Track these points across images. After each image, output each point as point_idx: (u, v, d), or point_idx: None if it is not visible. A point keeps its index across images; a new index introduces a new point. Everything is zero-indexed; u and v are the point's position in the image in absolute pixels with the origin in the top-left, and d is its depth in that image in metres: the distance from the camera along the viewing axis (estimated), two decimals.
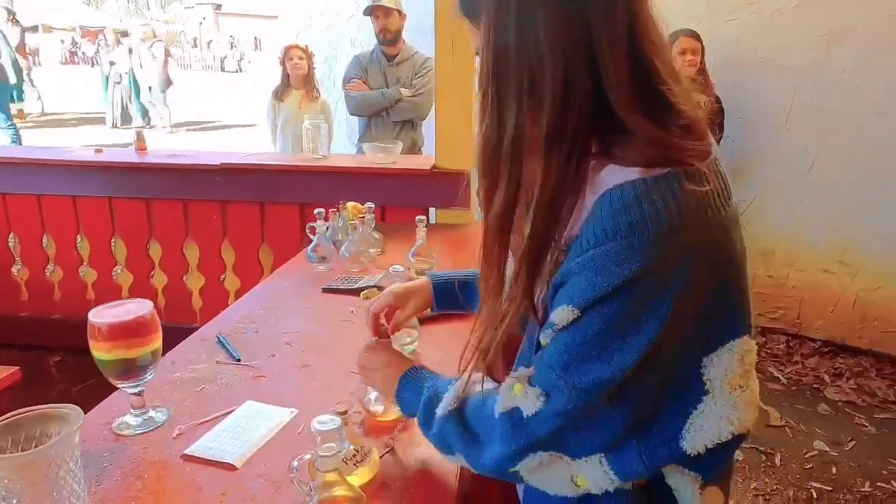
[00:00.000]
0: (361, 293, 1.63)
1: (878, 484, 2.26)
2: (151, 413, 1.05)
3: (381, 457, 0.94)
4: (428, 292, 1.11)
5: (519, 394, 0.67)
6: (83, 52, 28.13)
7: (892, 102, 2.92)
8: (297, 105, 3.55)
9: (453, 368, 1.25)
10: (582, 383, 0.61)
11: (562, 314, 0.62)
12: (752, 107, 3.27)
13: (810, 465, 2.37)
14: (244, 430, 1.02)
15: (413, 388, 0.86)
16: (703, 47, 3.02)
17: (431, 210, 2.71)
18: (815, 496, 2.21)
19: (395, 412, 1.00)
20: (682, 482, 0.68)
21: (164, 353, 1.32)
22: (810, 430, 2.59)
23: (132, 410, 1.03)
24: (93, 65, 29.44)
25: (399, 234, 2.16)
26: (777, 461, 2.39)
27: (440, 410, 0.78)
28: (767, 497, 2.21)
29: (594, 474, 0.66)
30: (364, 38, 3.61)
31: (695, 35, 3.01)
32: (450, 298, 1.10)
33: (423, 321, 1.41)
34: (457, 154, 2.49)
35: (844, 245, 3.14)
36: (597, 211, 0.60)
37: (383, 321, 1.03)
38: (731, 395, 0.64)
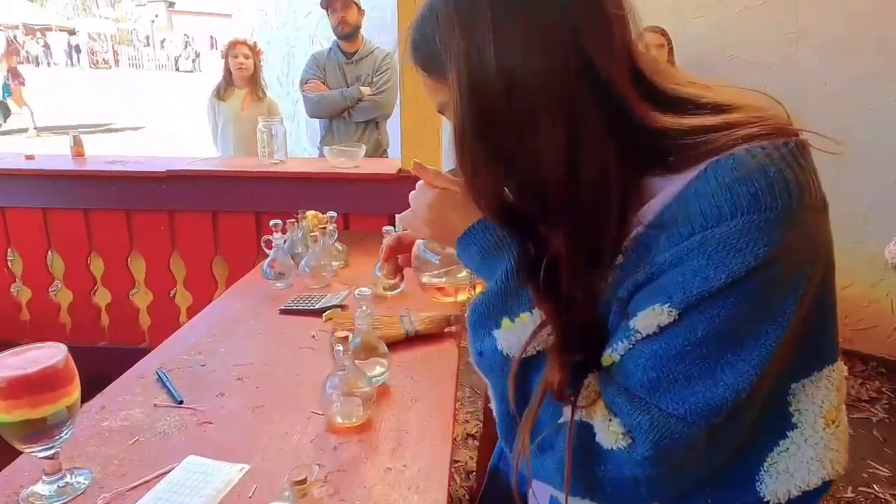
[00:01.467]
0: (324, 315, 1.48)
1: (861, 489, 2.22)
2: (69, 478, 0.87)
3: None
4: None
5: (599, 414, 0.51)
6: (27, 52, 26.88)
7: (858, 100, 2.92)
8: (240, 106, 3.31)
9: (428, 400, 1.11)
10: (683, 411, 0.47)
11: (650, 317, 0.47)
12: None
13: None
14: (185, 495, 0.86)
15: (485, 247, 0.60)
16: (669, 44, 2.97)
17: (398, 217, 2.57)
18: None
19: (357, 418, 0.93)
20: None
21: (99, 390, 1.15)
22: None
23: (44, 477, 0.85)
24: (37, 64, 28.19)
25: (364, 245, 2.01)
26: None
27: (500, 338, 0.55)
28: None
29: None
30: (323, 35, 3.44)
31: (660, 31, 2.95)
32: None
33: (393, 348, 1.26)
34: (424, 156, 2.34)
35: None
36: (696, 190, 0.47)
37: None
38: (825, 432, 0.52)
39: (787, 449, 0.52)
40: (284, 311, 1.54)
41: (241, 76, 3.27)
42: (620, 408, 0.50)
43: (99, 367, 1.85)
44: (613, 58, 0.50)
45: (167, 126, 11.62)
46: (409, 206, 0.74)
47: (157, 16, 38.60)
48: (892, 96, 2.81)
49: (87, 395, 1.13)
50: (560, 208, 0.51)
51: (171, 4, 39.26)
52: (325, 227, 1.78)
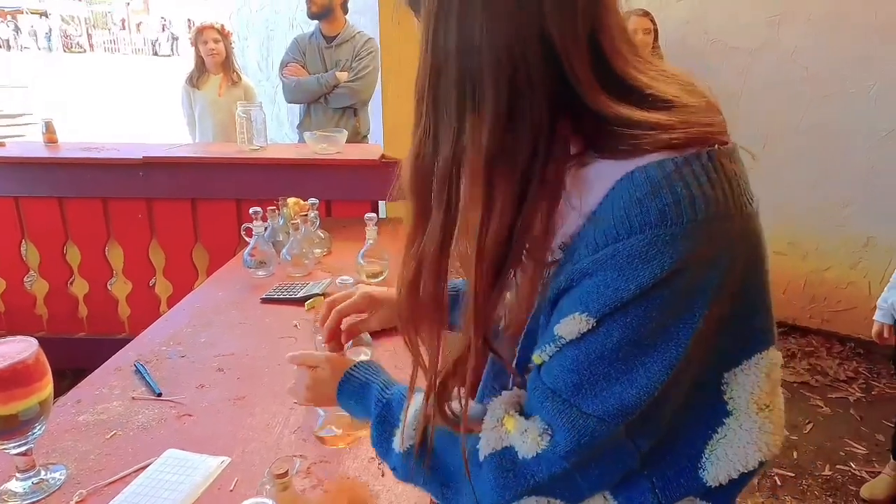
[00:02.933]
0: (306, 303, 1.46)
1: (838, 467, 2.27)
2: (44, 475, 0.85)
3: None
4: None
5: (513, 430, 0.55)
6: None
7: (838, 84, 2.93)
8: (217, 92, 3.21)
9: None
10: (600, 410, 0.50)
11: (570, 325, 0.51)
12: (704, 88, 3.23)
13: None
14: (163, 489, 0.84)
15: (357, 396, 0.73)
16: (655, 27, 2.95)
17: (381, 203, 2.54)
18: (778, 483, 2.20)
19: (348, 434, 0.90)
20: None
21: (76, 383, 1.12)
22: None
23: (17, 474, 0.83)
24: (9, 48, 27.38)
25: (347, 231, 1.99)
26: None
27: (397, 445, 0.64)
28: None
29: None
30: (303, 18, 3.36)
31: (646, 14, 2.93)
32: None
33: (376, 335, 1.25)
34: (406, 142, 2.31)
35: (795, 227, 3.16)
36: (612, 200, 0.50)
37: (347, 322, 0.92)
38: (758, 416, 0.54)
39: (725, 436, 0.54)
40: (266, 301, 1.52)
41: (214, 62, 3.18)
42: (545, 408, 0.53)
43: (78, 359, 1.82)
44: (572, 33, 0.50)
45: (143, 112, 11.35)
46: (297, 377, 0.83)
47: None
48: (871, 80, 2.83)
49: (66, 387, 1.11)
50: (485, 174, 0.52)
51: None
52: (306, 215, 1.75)
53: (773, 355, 0.55)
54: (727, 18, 3.13)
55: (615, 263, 0.48)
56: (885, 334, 2.07)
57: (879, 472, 2.21)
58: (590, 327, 0.50)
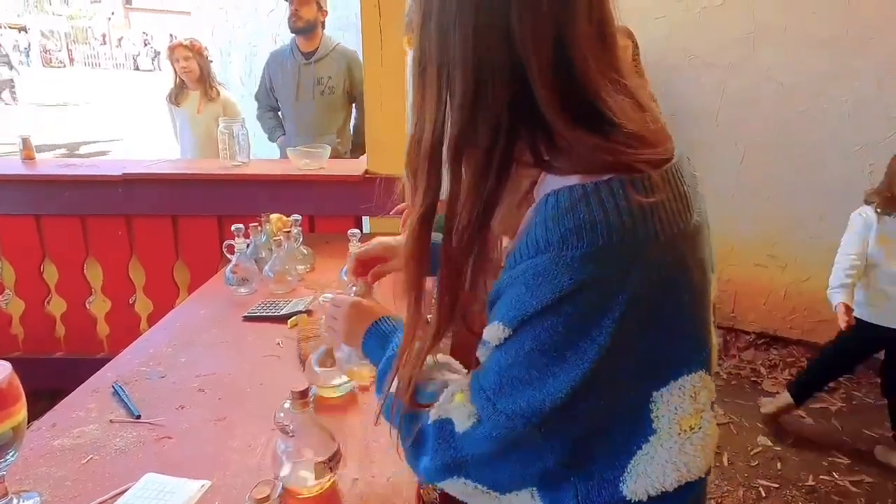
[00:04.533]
0: (288, 321, 1.45)
1: (822, 477, 2.29)
2: (17, 503, 0.83)
3: None
4: None
5: (457, 403, 0.61)
6: None
7: (814, 99, 3.00)
8: (196, 108, 3.20)
9: None
10: (510, 409, 0.55)
11: (493, 331, 0.56)
12: (684, 103, 3.28)
13: (756, 463, 2.37)
14: None
15: (377, 341, 0.76)
16: (635, 44, 2.99)
17: (365, 219, 2.54)
18: (763, 494, 2.21)
19: (320, 483, 0.86)
20: None
21: (52, 405, 1.10)
22: (752, 424, 2.60)
23: None
24: None
25: (330, 247, 1.98)
26: (725, 460, 2.38)
27: (388, 382, 0.68)
28: (719, 500, 2.19)
29: None
30: (286, 34, 3.36)
31: (625, 31, 2.97)
32: None
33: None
34: (390, 158, 2.33)
35: (774, 238, 3.21)
36: (531, 219, 0.54)
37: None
38: (679, 437, 0.57)
39: (647, 453, 0.57)
40: (248, 318, 1.50)
41: (190, 79, 3.16)
42: (474, 399, 0.59)
43: (55, 380, 1.78)
44: (534, 34, 0.53)
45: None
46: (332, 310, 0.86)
47: (113, 13, 37.38)
48: (844, 96, 2.90)
49: (43, 409, 1.08)
50: (452, 154, 0.57)
51: (129, 1, 38.12)
52: (289, 231, 1.74)
53: (699, 379, 0.58)
54: (704, 36, 3.19)
55: (524, 279, 0.53)
56: (846, 315, 2.20)
57: (862, 481, 2.24)
58: (507, 335, 0.55)
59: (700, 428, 0.57)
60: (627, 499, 0.57)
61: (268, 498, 0.68)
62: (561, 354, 0.52)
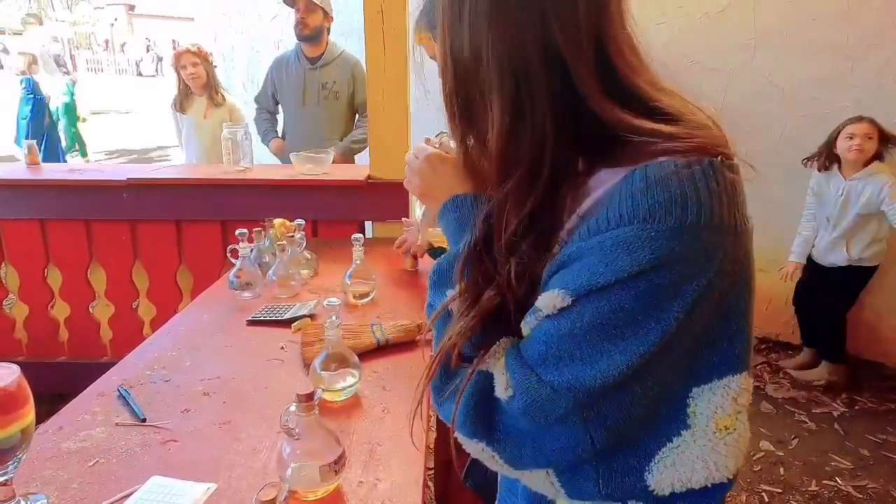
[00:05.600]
0: (293, 325, 1.45)
1: (824, 482, 2.29)
2: None
3: None
4: None
5: (500, 365, 0.57)
6: None
7: (815, 104, 3.01)
8: (202, 114, 3.21)
9: (400, 410, 1.10)
10: (555, 382, 0.52)
11: (550, 299, 0.53)
12: None
13: (759, 468, 2.37)
14: None
15: (457, 217, 0.67)
16: None
17: (368, 224, 2.54)
18: (766, 499, 2.20)
19: (325, 486, 0.86)
20: None
21: (57, 409, 1.10)
22: (755, 429, 2.60)
23: None
24: None
25: (334, 252, 1.98)
26: None
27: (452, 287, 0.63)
28: None
29: (536, 481, 0.60)
30: (290, 40, 3.38)
31: None
32: None
33: (364, 357, 1.25)
34: (393, 163, 2.34)
35: (777, 244, 3.20)
36: (615, 192, 0.51)
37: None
38: (714, 436, 0.56)
39: (678, 446, 0.55)
40: (252, 323, 1.50)
41: (196, 85, 3.17)
42: (513, 368, 0.55)
43: (58, 384, 1.79)
44: (577, 45, 0.52)
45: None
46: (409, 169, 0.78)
47: (116, 19, 37.55)
48: (845, 101, 2.91)
49: (46, 414, 1.09)
50: (497, 173, 0.57)
51: (132, 8, 38.31)
52: (292, 236, 1.75)
53: (744, 381, 0.56)
54: (705, 41, 3.21)
55: (600, 250, 0.50)
56: (792, 276, 2.94)
57: (865, 486, 2.24)
58: (565, 305, 0.52)
59: (735, 430, 0.56)
60: (651, 489, 0.56)
61: (274, 500, 0.69)
62: (621, 332, 0.50)
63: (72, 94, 6.37)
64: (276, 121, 3.30)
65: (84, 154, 6.76)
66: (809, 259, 2.93)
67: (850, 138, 2.66)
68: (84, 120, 6.66)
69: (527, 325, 0.56)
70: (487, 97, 0.55)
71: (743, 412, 0.57)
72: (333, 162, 2.55)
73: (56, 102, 6.21)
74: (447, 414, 0.59)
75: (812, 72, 2.99)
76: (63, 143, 6.36)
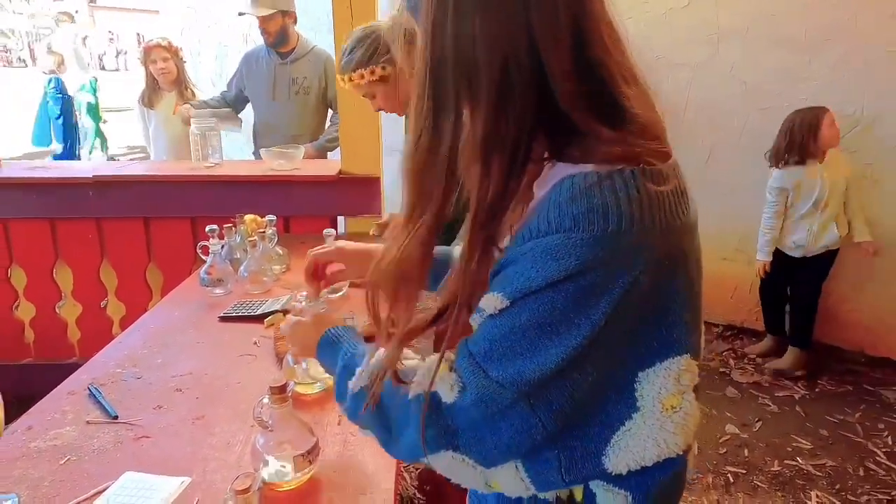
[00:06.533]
0: (265, 320, 1.46)
1: (786, 462, 2.38)
2: None
3: None
4: None
5: (441, 375, 0.61)
6: None
7: (775, 97, 3.10)
8: (171, 109, 3.14)
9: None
10: (500, 377, 0.57)
11: (491, 301, 0.58)
12: None
13: (724, 450, 2.45)
14: None
15: (330, 351, 0.78)
16: None
17: (340, 219, 2.54)
18: (731, 480, 2.28)
19: (299, 476, 0.88)
20: (609, 500, 0.64)
21: (23, 412, 1.09)
22: (721, 413, 2.68)
23: None
24: None
25: (305, 248, 1.96)
26: (694, 448, 2.44)
27: (352, 384, 0.70)
28: (689, 485, 2.25)
29: (508, 480, 0.63)
30: (257, 34, 3.34)
31: None
32: None
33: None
34: (364, 158, 2.34)
35: (740, 233, 3.31)
36: (545, 201, 0.56)
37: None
38: (661, 416, 0.60)
39: (630, 429, 0.60)
40: (224, 319, 1.50)
41: (166, 80, 3.12)
42: (462, 365, 0.60)
43: (24, 387, 1.75)
44: (553, 33, 0.54)
45: None
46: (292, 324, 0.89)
47: (77, 11, 36.53)
48: (803, 94, 3.01)
49: (11, 417, 1.07)
50: (480, 153, 0.57)
51: (93, 0, 37.24)
52: (263, 231, 1.74)
53: (686, 363, 0.61)
54: (670, 36, 3.27)
55: (532, 256, 0.55)
56: (763, 272, 3.01)
57: (825, 464, 2.33)
58: (505, 306, 0.57)
59: (681, 408, 0.61)
60: (609, 471, 0.60)
61: (248, 489, 0.70)
62: (555, 329, 0.55)
63: (95, 92, 6.12)
64: (226, 110, 3.19)
65: (105, 150, 6.50)
66: (776, 251, 2.99)
67: (833, 125, 2.73)
68: (105, 122, 6.39)
69: (474, 322, 0.61)
70: (472, 81, 0.56)
71: (688, 392, 0.61)
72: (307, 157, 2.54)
73: (80, 100, 5.97)
74: (403, 448, 0.65)
75: (772, 65, 3.08)
76: (85, 142, 6.09)
